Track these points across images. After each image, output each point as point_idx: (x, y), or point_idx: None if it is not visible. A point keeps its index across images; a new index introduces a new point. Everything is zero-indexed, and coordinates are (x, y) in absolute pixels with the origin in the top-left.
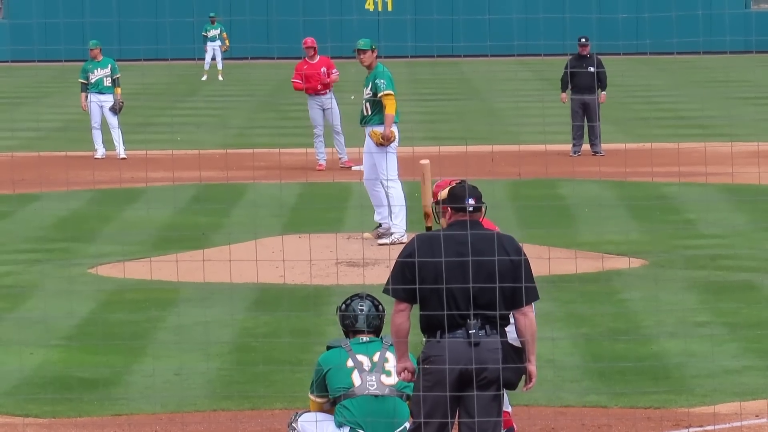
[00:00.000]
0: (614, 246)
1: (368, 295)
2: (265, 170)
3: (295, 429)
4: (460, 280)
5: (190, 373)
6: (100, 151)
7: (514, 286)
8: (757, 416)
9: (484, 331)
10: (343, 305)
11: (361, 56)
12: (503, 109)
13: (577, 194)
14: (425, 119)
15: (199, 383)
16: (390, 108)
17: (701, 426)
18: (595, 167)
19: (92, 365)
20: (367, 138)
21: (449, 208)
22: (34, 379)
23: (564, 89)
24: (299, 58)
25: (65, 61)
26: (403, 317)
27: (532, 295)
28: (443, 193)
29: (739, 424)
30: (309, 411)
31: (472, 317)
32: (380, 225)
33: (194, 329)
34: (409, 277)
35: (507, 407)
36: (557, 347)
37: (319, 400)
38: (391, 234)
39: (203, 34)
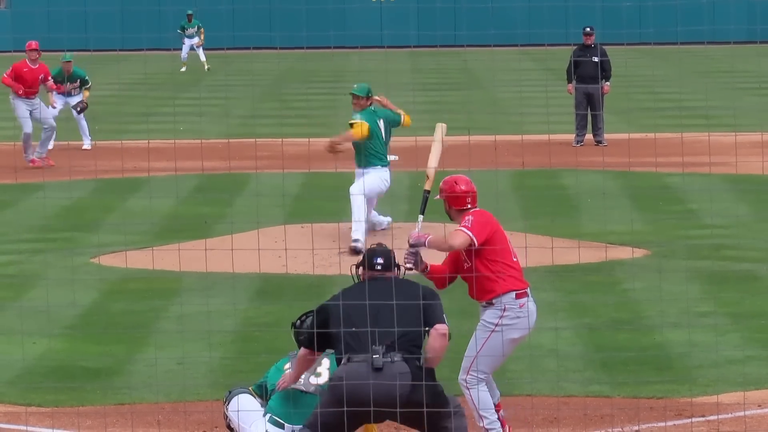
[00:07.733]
0: (617, 236)
1: None
2: (268, 160)
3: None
4: (372, 322)
5: (192, 362)
6: (87, 143)
7: (426, 310)
8: (759, 406)
9: (389, 357)
10: (298, 321)
11: (354, 101)
12: (506, 99)
13: (580, 184)
14: (428, 109)
15: (201, 372)
16: (352, 132)
17: (704, 416)
18: (598, 157)
19: (95, 354)
20: None
21: (363, 268)
22: (36, 368)
23: (570, 80)
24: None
25: (67, 50)
26: (310, 363)
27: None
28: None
29: (742, 413)
30: (242, 395)
31: (377, 343)
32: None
33: (197, 318)
34: (320, 327)
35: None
36: (560, 337)
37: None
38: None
39: (179, 30)
